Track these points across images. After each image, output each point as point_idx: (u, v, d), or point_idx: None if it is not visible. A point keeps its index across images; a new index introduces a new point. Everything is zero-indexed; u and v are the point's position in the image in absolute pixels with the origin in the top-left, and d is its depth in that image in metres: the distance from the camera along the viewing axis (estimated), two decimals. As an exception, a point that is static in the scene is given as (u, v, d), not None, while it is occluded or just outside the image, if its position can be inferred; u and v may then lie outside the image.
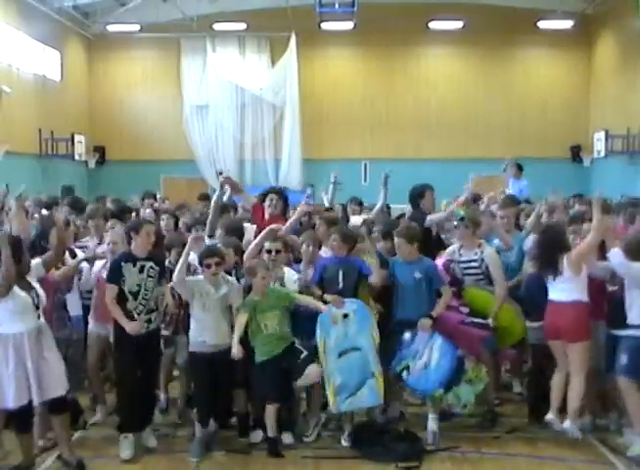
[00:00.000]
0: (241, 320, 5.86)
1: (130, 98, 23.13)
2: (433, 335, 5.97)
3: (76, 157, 20.98)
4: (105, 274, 6.20)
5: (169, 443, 6.21)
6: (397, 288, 6.22)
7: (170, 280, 5.97)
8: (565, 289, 5.97)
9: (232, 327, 5.90)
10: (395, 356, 6.07)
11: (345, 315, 6.00)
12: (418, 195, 7.72)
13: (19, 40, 18.31)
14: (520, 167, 12.17)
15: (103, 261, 6.52)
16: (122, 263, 5.79)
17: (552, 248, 6.02)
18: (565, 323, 5.91)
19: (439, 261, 6.64)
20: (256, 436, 6.15)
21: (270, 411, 5.89)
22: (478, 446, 6.08)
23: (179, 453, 5.94)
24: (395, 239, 6.21)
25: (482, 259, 6.53)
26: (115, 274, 5.82)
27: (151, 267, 5.85)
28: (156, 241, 6.14)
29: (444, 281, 6.24)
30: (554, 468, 5.76)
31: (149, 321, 5.85)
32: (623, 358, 5.80)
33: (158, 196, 10.55)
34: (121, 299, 5.78)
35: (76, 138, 20.88)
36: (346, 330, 5.98)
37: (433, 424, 6.00)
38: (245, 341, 5.89)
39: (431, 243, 7.39)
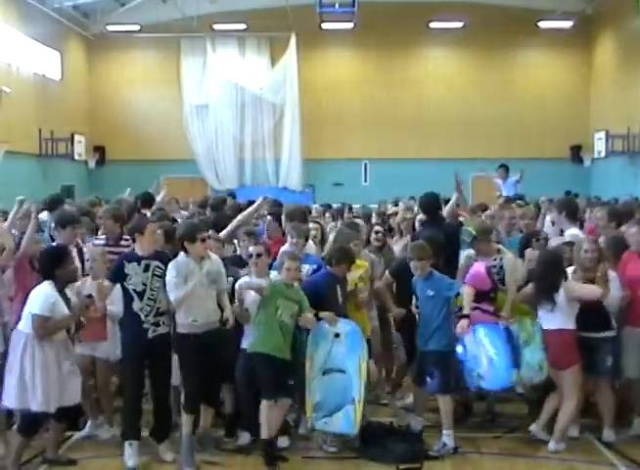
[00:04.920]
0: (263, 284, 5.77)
1: (130, 98, 23.15)
2: (475, 331, 5.89)
3: (76, 157, 21.02)
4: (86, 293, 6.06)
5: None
6: (419, 306, 6.21)
7: None
8: (552, 317, 5.97)
9: (219, 306, 5.81)
10: (461, 375, 5.99)
11: (337, 335, 5.97)
12: (435, 205, 7.55)
13: (18, 40, 18.32)
14: (507, 168, 12.38)
15: (83, 280, 6.25)
16: (125, 263, 5.62)
17: (549, 276, 5.99)
18: (552, 351, 5.96)
19: (479, 267, 6.41)
20: (244, 438, 6.05)
21: (265, 408, 5.70)
22: (477, 446, 6.08)
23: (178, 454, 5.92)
24: (411, 262, 6.09)
25: (501, 267, 6.51)
26: (116, 273, 5.63)
27: (157, 267, 5.65)
28: (168, 237, 6.23)
29: (456, 286, 6.10)
30: (554, 468, 5.77)
31: (156, 324, 5.59)
32: None
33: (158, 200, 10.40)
34: (127, 300, 5.60)
35: (76, 138, 20.91)
36: (335, 350, 5.95)
37: (447, 439, 5.93)
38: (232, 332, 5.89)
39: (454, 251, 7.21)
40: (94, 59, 23.27)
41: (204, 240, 5.74)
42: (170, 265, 5.65)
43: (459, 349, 5.97)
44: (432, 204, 7.50)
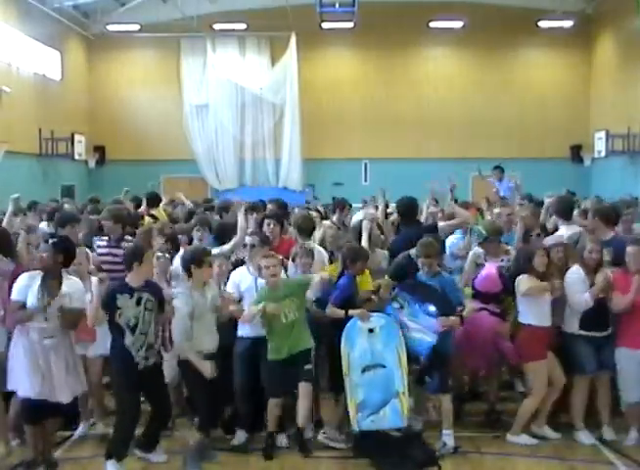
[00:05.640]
0: (252, 311, 5.77)
1: (130, 98, 23.13)
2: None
3: (76, 156, 21.00)
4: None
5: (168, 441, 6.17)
6: None
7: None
8: (520, 310, 6.13)
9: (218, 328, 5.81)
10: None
11: (371, 330, 5.92)
12: (415, 209, 7.71)
13: (18, 40, 18.31)
14: (502, 169, 12.46)
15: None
16: (118, 295, 5.36)
17: (516, 271, 6.18)
18: (517, 343, 6.11)
19: (490, 268, 6.45)
20: (240, 437, 6.04)
21: (271, 406, 5.83)
22: (477, 446, 6.08)
23: (178, 454, 5.89)
24: (419, 259, 6.11)
25: (509, 268, 6.52)
26: (109, 304, 5.37)
27: (148, 299, 5.42)
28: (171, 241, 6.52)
29: (461, 300, 6.16)
30: (554, 468, 5.76)
31: (146, 358, 5.42)
32: None
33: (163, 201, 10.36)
34: (117, 334, 5.39)
35: (76, 138, 20.90)
36: (372, 345, 5.89)
37: (447, 438, 5.92)
38: (227, 347, 5.92)
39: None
40: (94, 59, 23.25)
41: (210, 265, 5.71)
42: (179, 303, 5.57)
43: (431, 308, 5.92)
44: (409, 207, 7.61)
